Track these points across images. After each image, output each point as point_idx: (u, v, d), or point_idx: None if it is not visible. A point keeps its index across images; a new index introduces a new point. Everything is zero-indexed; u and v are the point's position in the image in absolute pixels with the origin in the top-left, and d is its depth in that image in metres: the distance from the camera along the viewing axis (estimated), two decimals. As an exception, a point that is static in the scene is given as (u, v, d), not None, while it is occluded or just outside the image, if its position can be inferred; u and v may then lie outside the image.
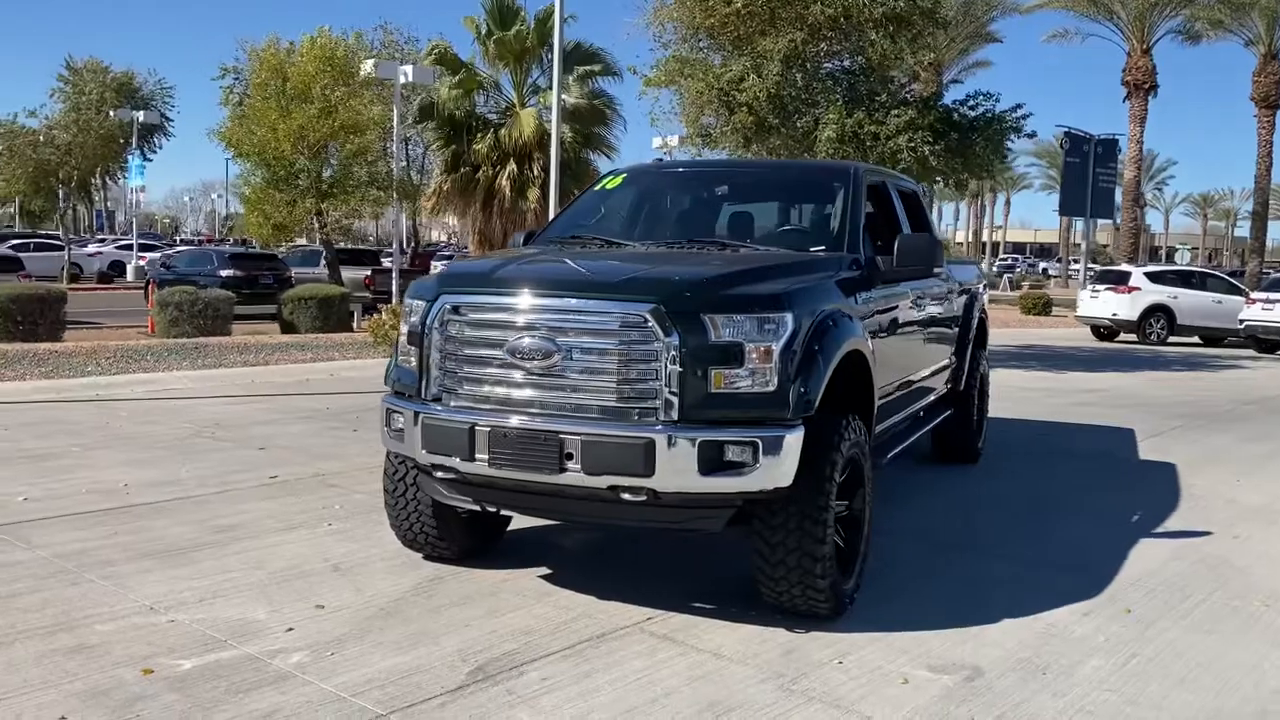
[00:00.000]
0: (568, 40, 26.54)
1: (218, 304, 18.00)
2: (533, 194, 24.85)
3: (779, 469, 4.26)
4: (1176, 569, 5.68)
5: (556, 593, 5.00)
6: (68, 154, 32.72)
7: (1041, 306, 32.38)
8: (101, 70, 47.74)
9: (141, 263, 37.54)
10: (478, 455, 4.44)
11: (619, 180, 6.43)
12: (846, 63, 15.27)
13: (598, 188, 6.52)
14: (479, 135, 24.81)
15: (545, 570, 5.34)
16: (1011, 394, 13.01)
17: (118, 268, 40.51)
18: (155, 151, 56.20)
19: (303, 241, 29.37)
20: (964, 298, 7.84)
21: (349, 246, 32.27)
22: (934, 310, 6.77)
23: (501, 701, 3.79)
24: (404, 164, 28.97)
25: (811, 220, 5.87)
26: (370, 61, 23.80)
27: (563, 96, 24.98)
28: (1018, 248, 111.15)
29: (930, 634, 4.59)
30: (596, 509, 4.54)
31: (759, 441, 4.22)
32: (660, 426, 4.20)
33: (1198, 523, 6.69)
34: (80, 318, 21.45)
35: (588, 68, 26.24)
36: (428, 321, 4.64)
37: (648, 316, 4.22)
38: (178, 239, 75.17)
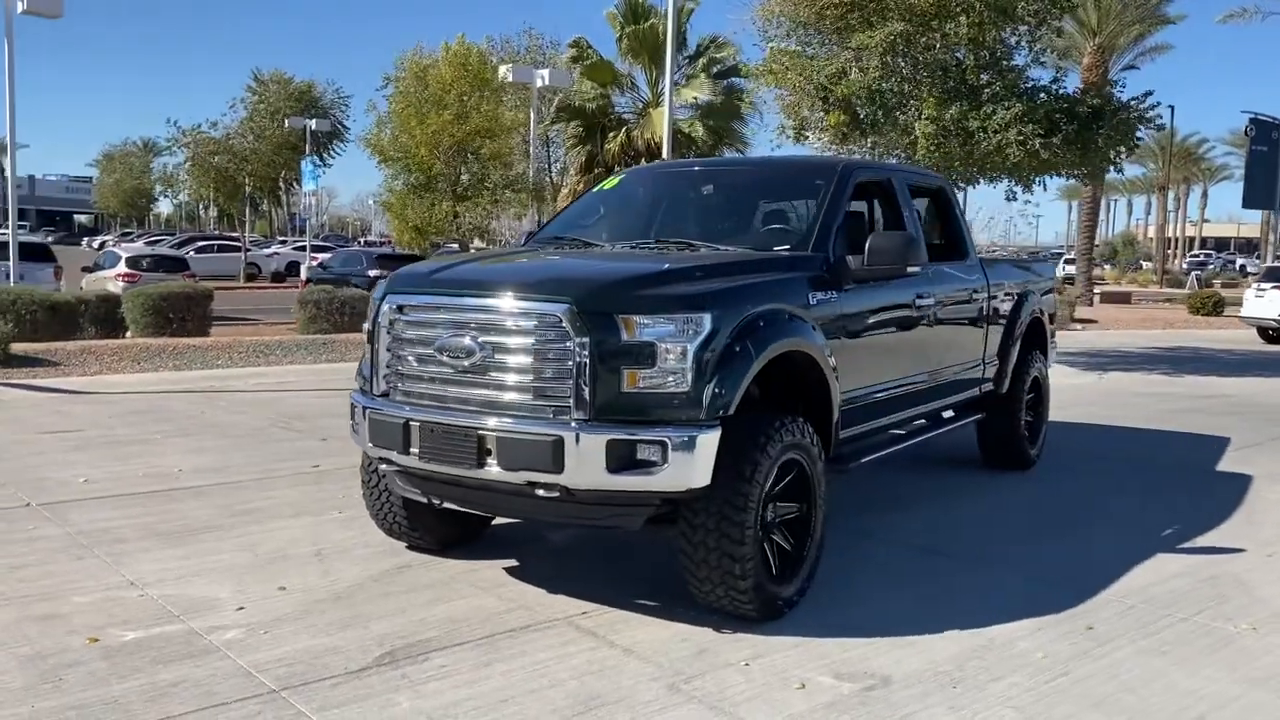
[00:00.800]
0: (703, 34, 26.64)
1: (353, 302, 18.93)
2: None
3: (691, 469, 4.27)
4: (1176, 586, 5.35)
5: (509, 585, 5.14)
6: (244, 161, 35.04)
7: (1211, 306, 30.34)
8: (285, 81, 50.76)
9: (314, 263, 39.80)
10: (411, 449, 4.63)
11: (616, 181, 6.53)
12: (960, 53, 14.74)
13: (597, 189, 6.64)
14: (612, 135, 25.15)
15: (514, 563, 5.49)
16: (1120, 398, 12.37)
17: (293, 268, 43.02)
18: (335, 157, 59.20)
19: (454, 245, 30.49)
20: (1008, 299, 7.55)
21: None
22: (950, 311, 6.57)
23: (392, 685, 3.96)
24: (544, 165, 29.65)
25: (785, 219, 5.79)
26: (506, 66, 24.53)
27: (695, 93, 25.12)
28: (1220, 244, 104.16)
29: (862, 641, 4.50)
30: (521, 504, 4.66)
31: (668, 441, 4.25)
32: (571, 424, 4.28)
33: (1238, 540, 6.25)
34: (240, 315, 23.00)
35: (714, 58, 26.17)
36: (378, 320, 4.87)
37: (561, 316, 4.31)
38: (361, 240, 79.17)
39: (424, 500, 4.99)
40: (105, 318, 17.08)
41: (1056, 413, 10.56)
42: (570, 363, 4.30)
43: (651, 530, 4.66)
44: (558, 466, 4.27)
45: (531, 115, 25.17)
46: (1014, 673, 4.22)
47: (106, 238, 65.47)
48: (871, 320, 5.59)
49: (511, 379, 4.44)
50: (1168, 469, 8.46)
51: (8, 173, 25.59)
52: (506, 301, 4.47)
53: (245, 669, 4.06)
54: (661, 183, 6.64)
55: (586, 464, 4.25)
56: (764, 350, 4.52)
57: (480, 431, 4.40)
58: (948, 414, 7.05)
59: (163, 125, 36.72)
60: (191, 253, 38.02)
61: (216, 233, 57.53)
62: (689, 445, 4.26)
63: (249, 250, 42.15)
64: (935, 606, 4.97)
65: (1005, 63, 14.86)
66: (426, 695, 3.87)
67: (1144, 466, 8.54)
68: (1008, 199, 15.93)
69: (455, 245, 30.31)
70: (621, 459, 4.26)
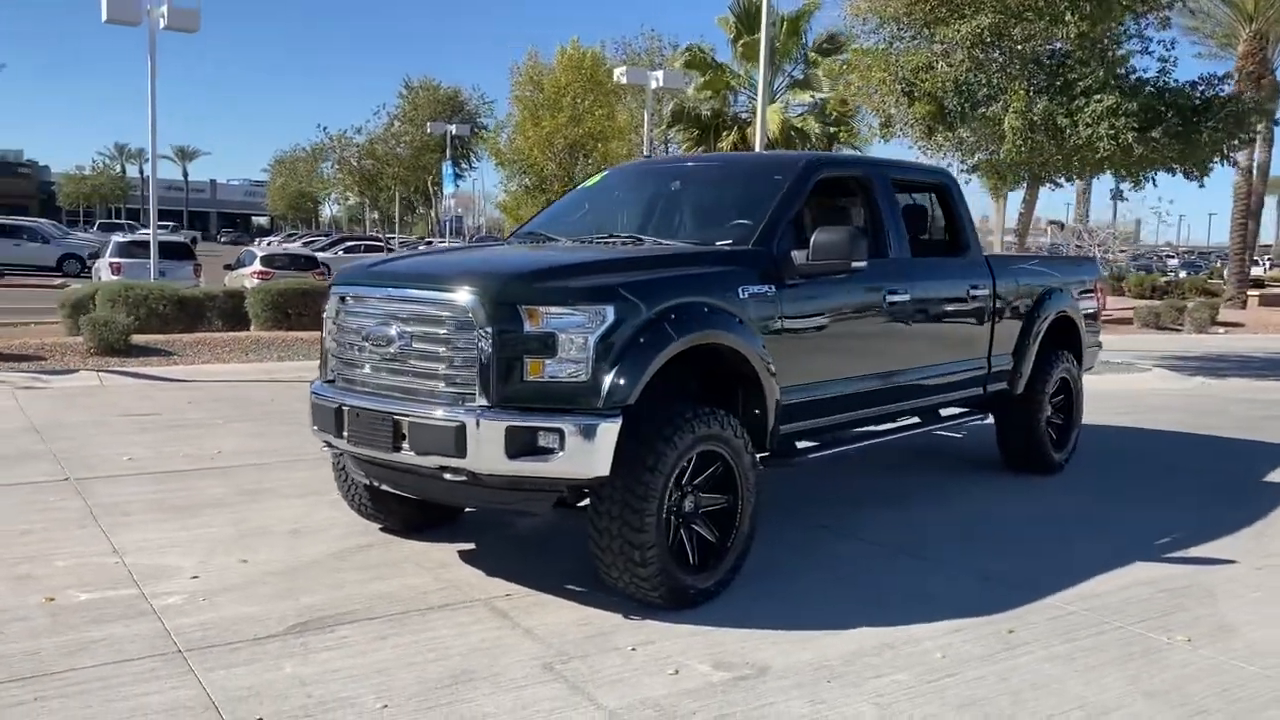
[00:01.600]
0: (820, 31, 26.37)
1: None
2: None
3: (589, 457, 4.39)
4: (1135, 594, 5.14)
5: (452, 566, 5.35)
6: (386, 164, 36.65)
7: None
8: (433, 88, 52.86)
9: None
10: (344, 433, 4.90)
11: (599, 178, 6.67)
12: (1057, 45, 14.21)
13: (584, 185, 6.79)
14: (725, 135, 25.18)
15: (471, 546, 5.70)
16: (1211, 404, 11.77)
17: (434, 266, 44.51)
18: (479, 160, 61.02)
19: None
20: (1024, 298, 7.32)
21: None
22: (938, 308, 6.45)
23: (286, 652, 4.22)
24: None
25: (739, 214, 5.80)
26: (620, 69, 24.89)
27: (812, 93, 24.90)
28: None
29: (766, 633, 4.52)
30: (438, 487, 4.86)
31: (564, 429, 4.37)
32: (474, 411, 4.45)
33: (1239, 553, 5.93)
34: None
35: (831, 55, 25.84)
36: (326, 311, 5.16)
37: (468, 307, 4.50)
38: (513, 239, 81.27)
39: (368, 481, 5.25)
40: (232, 312, 18.20)
41: (1127, 416, 10.19)
42: (476, 352, 4.47)
43: (565, 516, 4.78)
44: (461, 452, 4.45)
45: (646, 117, 25.42)
46: (901, 671, 4.17)
47: (273, 238, 69.38)
48: (823, 316, 5.55)
49: (425, 367, 4.65)
50: (1209, 476, 8.04)
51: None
52: (422, 293, 4.69)
53: (166, 631, 4.39)
54: (637, 180, 6.76)
55: (487, 449, 4.41)
56: (669, 342, 4.58)
57: (395, 416, 4.63)
58: (945, 412, 6.90)
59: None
60: (340, 252, 39.88)
61: (373, 235, 60.05)
62: (586, 434, 4.38)
63: (391, 250, 43.85)
64: (865, 604, 4.93)
65: (1111, 53, 14.24)
66: (312, 663, 4.11)
67: (1184, 473, 8.15)
68: (1114, 198, 15.32)
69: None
70: (520, 445, 4.40)
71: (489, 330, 4.44)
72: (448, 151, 44.93)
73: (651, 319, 4.57)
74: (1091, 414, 10.39)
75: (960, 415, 7.03)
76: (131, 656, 4.12)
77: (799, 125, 24.79)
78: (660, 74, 25.70)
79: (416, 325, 4.68)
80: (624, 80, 24.96)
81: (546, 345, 4.44)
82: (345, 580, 5.10)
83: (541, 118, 22.32)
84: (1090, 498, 7.22)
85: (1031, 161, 13.75)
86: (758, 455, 5.39)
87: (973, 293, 6.76)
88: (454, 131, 43.12)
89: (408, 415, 4.60)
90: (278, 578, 5.12)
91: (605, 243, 5.64)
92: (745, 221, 5.51)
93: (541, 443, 4.41)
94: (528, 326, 4.45)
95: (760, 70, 17.25)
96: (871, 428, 6.22)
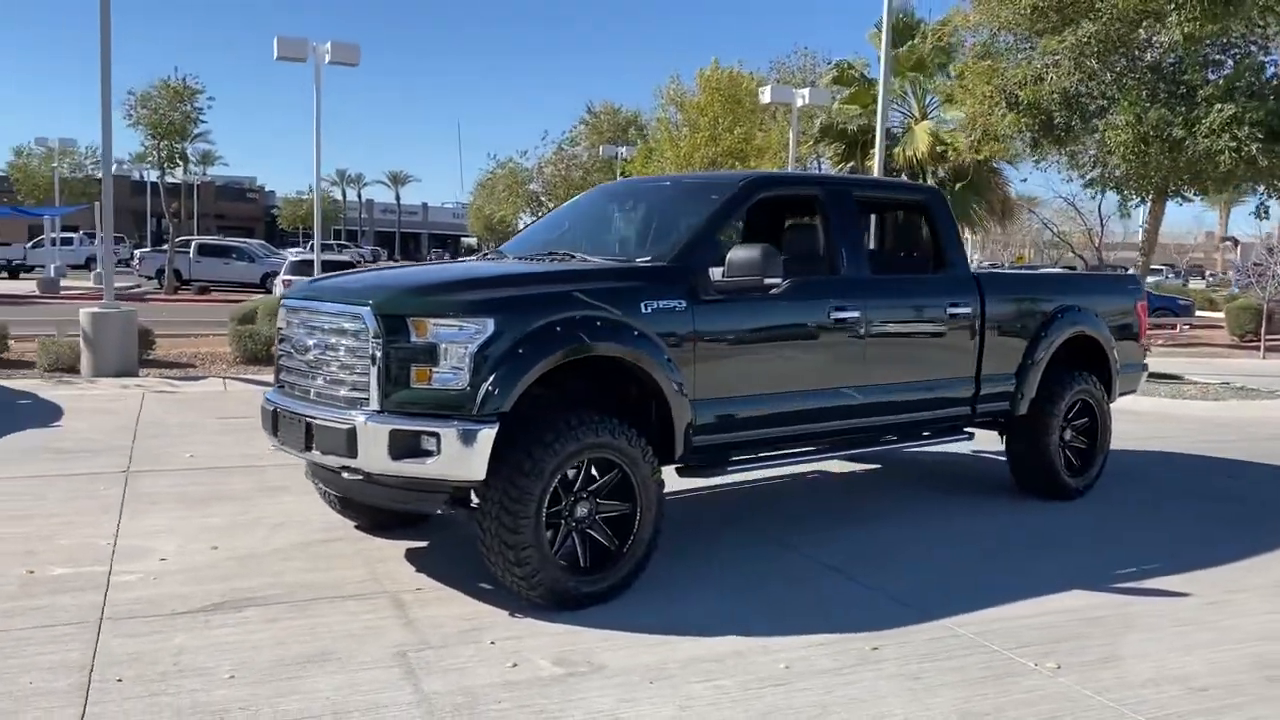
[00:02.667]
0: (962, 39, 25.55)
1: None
2: (927, 209, 24.30)
3: (464, 460, 4.71)
4: (1042, 621, 5.00)
5: (390, 562, 5.75)
6: (554, 186, 37.99)
7: None
8: (613, 111, 54.26)
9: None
10: (276, 434, 5.39)
11: (584, 196, 7.00)
12: (1177, 54, 13.46)
13: (570, 202, 7.12)
14: (871, 151, 24.79)
15: (424, 544, 6.09)
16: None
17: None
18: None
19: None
20: (1026, 317, 7.12)
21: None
22: (906, 326, 6.40)
23: (187, 627, 4.70)
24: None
25: (665, 231, 5.94)
26: (765, 87, 24.99)
27: (959, 111, 24.16)
28: None
29: (629, 636, 4.69)
30: (346, 485, 5.27)
31: (441, 433, 4.71)
32: (365, 414, 4.84)
33: (1203, 585, 5.63)
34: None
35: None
36: (278, 322, 5.68)
37: (365, 319, 4.90)
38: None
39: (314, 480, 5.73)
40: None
41: (1181, 441, 9.68)
42: (371, 360, 4.87)
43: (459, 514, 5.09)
44: (353, 452, 4.85)
45: (792, 135, 25.39)
46: (730, 678, 4.27)
47: (471, 258, 72.36)
48: (747, 331, 5.64)
49: (334, 374, 5.08)
50: (1237, 504, 7.56)
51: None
52: (334, 306, 5.13)
53: (101, 604, 4.97)
54: (608, 199, 7.00)
55: (374, 451, 4.80)
56: (547, 354, 4.83)
57: (306, 419, 5.08)
58: (926, 432, 6.81)
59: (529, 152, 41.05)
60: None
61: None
62: (462, 438, 4.69)
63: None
64: (751, 615, 5.00)
65: (1244, 60, 13.39)
66: (201, 638, 4.58)
67: (1210, 499, 7.72)
68: (1258, 216, 14.32)
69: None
70: (403, 448, 4.76)
71: (380, 340, 4.82)
72: (617, 173, 46.08)
73: (533, 331, 4.84)
74: (1180, 440, 9.91)
75: (936, 435, 6.90)
76: (56, 623, 4.70)
77: (948, 140, 24.18)
78: (806, 91, 25.61)
79: (328, 336, 5.11)
80: (767, 99, 25.09)
81: (431, 355, 4.78)
82: (287, 569, 5.58)
83: (679, 138, 22.72)
84: (1089, 519, 6.95)
85: (1145, 175, 13.06)
86: (677, 466, 5.59)
87: (952, 311, 6.64)
88: (624, 155, 44.20)
89: (315, 418, 5.04)
90: (232, 563, 5.65)
91: (541, 259, 5.93)
92: (670, 239, 5.68)
93: (423, 446, 4.75)
94: (415, 337, 4.80)
95: (879, 87, 17.06)
96: (813, 445, 6.21)
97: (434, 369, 4.79)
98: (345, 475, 5.04)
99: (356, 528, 6.35)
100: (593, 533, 5.09)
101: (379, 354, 4.83)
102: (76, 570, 5.46)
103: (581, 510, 5.04)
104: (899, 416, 6.51)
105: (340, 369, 5.03)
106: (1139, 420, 11.72)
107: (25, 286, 36.23)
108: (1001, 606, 5.18)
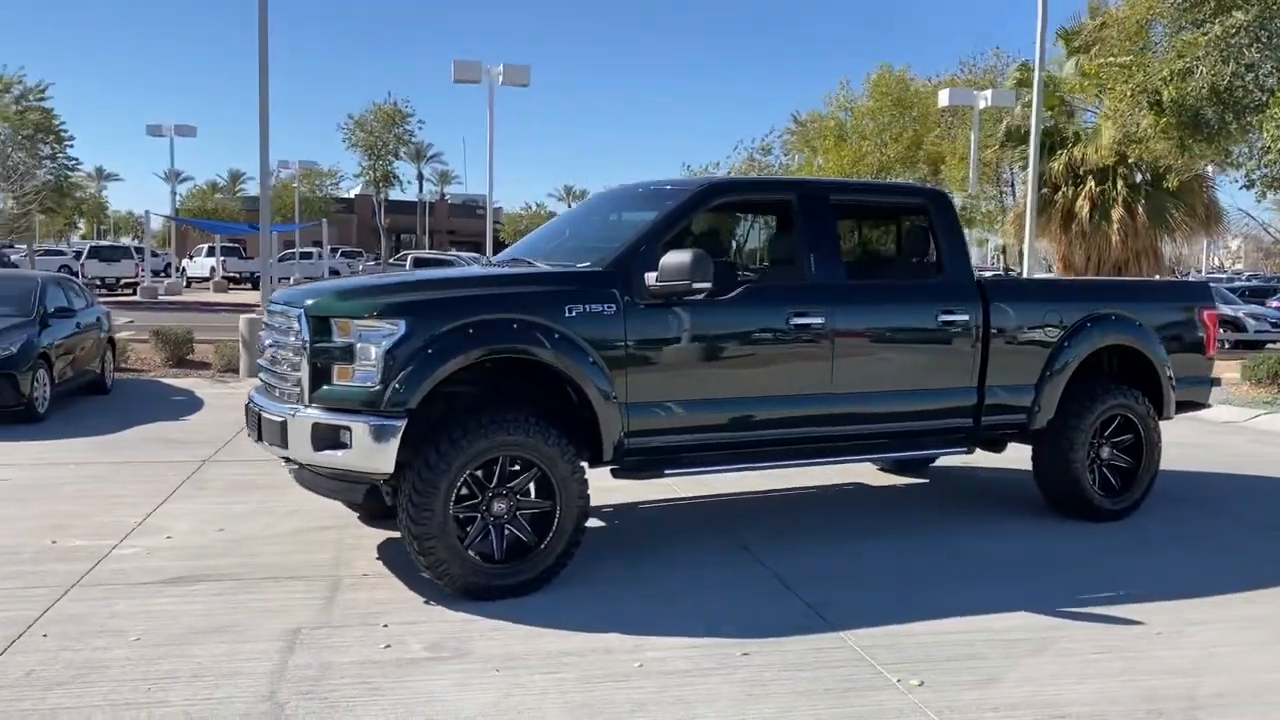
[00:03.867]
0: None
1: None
2: (1116, 214, 22.86)
3: (373, 454, 5.03)
4: (950, 639, 4.78)
5: (360, 550, 6.13)
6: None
7: None
8: (819, 118, 53.88)
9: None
10: (248, 426, 5.88)
11: (585, 202, 7.20)
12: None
13: (571, 209, 7.33)
14: (1056, 153, 23.57)
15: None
16: None
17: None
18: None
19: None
20: (1042, 327, 6.71)
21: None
22: (876, 333, 6.20)
23: (141, 595, 5.21)
24: (998, 191, 28.47)
25: (615, 238, 5.98)
26: (944, 91, 24.26)
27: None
28: None
29: (516, 628, 4.84)
30: (301, 475, 5.66)
31: (352, 427, 5.04)
32: (297, 408, 5.24)
33: (1166, 615, 5.18)
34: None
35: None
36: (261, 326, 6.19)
37: (300, 320, 5.30)
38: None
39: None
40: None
41: None
42: (303, 358, 5.26)
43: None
44: (285, 443, 5.26)
45: (973, 138, 24.52)
46: (575, 671, 4.36)
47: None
48: (688, 336, 5.65)
49: (283, 371, 5.50)
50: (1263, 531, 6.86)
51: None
52: (282, 309, 5.55)
53: (84, 572, 5.57)
54: (597, 205, 7.09)
55: (299, 442, 5.19)
56: (456, 354, 5.07)
57: (259, 413, 5.52)
58: (924, 440, 6.57)
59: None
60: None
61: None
62: (371, 432, 5.01)
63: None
64: (659, 617, 5.02)
65: None
66: (142, 606, 5.07)
67: (1258, 530, 6.99)
68: None
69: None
70: (322, 440, 5.13)
71: (310, 340, 5.20)
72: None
73: (443, 333, 5.09)
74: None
75: (930, 445, 6.63)
76: (35, 585, 5.33)
77: (1138, 138, 22.61)
78: (989, 93, 24.73)
79: (281, 336, 5.54)
80: (945, 102, 24.34)
81: (350, 354, 5.12)
82: (267, 551, 6.06)
83: (843, 145, 22.38)
84: (1100, 541, 6.50)
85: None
86: (612, 468, 5.69)
87: (946, 319, 6.37)
88: (821, 164, 43.71)
89: (261, 410, 5.48)
90: (225, 544, 6.19)
91: (502, 265, 6.17)
92: (613, 244, 5.79)
93: (340, 439, 5.09)
94: (338, 337, 5.16)
95: (1034, 93, 16.26)
96: (778, 449, 6.12)
97: (354, 367, 5.12)
98: (284, 465, 5.45)
99: (360, 519, 6.78)
100: (512, 528, 5.27)
101: (309, 353, 5.21)
102: (90, 543, 6.13)
103: (499, 506, 5.23)
104: (882, 426, 6.31)
105: (289, 367, 5.45)
106: (1264, 441, 10.74)
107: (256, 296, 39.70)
108: (921, 622, 4.99)
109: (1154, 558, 6.26)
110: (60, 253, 47.37)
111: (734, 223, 6.73)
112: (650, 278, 5.53)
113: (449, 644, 4.65)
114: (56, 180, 35.92)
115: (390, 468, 5.05)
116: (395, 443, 5.00)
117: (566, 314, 5.37)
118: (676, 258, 5.45)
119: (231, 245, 48.00)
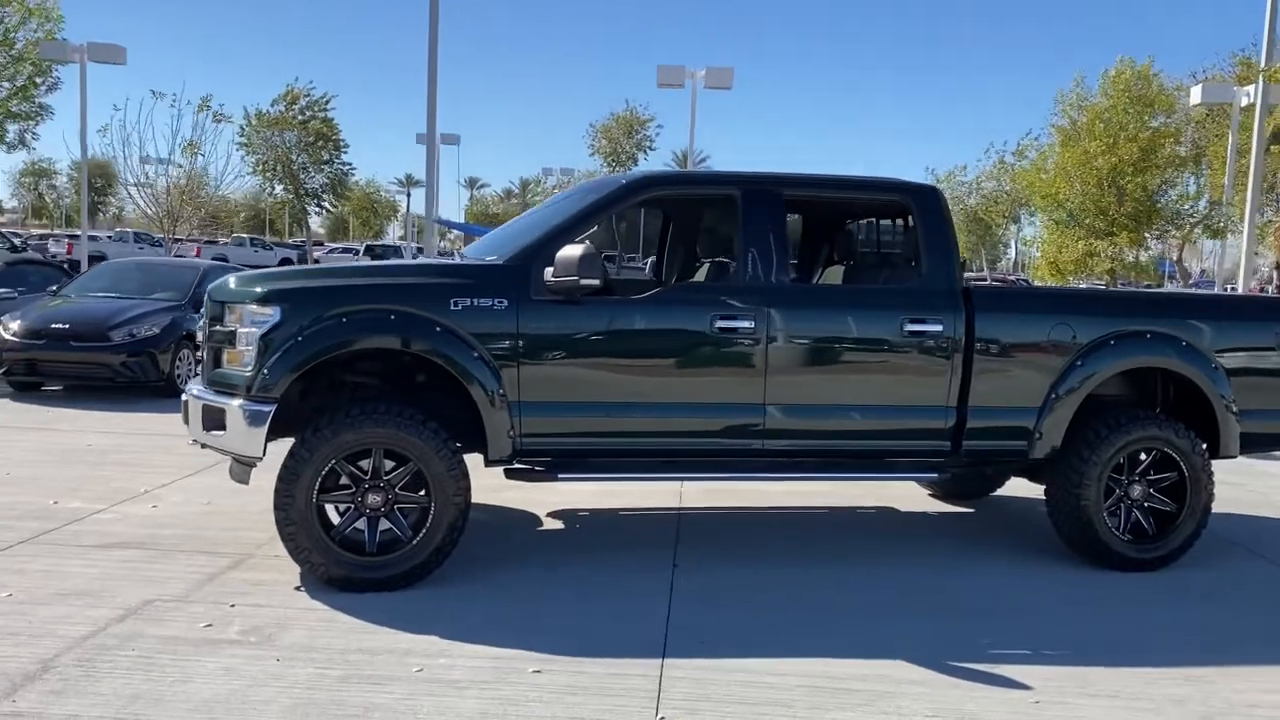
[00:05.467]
0: None
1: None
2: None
3: (244, 437, 5.17)
4: (791, 681, 4.29)
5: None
6: (994, 202, 36.20)
7: None
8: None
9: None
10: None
11: (564, 191, 7.00)
12: None
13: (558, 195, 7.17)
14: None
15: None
16: None
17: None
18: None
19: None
20: (1050, 345, 5.85)
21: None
22: (823, 341, 5.64)
23: (85, 557, 5.56)
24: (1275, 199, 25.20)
25: (535, 232, 5.70)
26: (1196, 89, 21.93)
27: None
28: None
29: (352, 620, 4.82)
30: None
31: (226, 409, 5.18)
32: (198, 389, 5.45)
33: (1063, 681, 4.39)
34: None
35: None
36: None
37: (207, 305, 5.51)
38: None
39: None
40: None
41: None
42: (211, 342, 5.46)
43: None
44: (187, 422, 5.48)
45: (1230, 138, 21.93)
46: (339, 668, 4.28)
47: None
48: (591, 335, 5.38)
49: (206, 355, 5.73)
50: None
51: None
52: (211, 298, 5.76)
53: (48, 530, 6.05)
54: (558, 197, 6.83)
55: (194, 421, 5.40)
56: (325, 343, 5.10)
57: (185, 399, 5.76)
58: (892, 462, 5.93)
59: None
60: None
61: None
62: (243, 417, 5.15)
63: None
64: (494, 624, 4.81)
65: None
66: (57, 565, 5.43)
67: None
68: None
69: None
70: (209, 421, 5.32)
71: (209, 322, 5.40)
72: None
73: (314, 321, 5.12)
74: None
75: (892, 468, 5.95)
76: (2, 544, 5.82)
77: None
78: (1251, 89, 22.09)
79: (211, 325, 5.76)
80: (1197, 99, 21.99)
81: (233, 339, 5.27)
82: (218, 526, 6.32)
83: (1072, 146, 20.57)
84: (1083, 593, 5.60)
85: None
86: (505, 469, 5.54)
87: (914, 328, 5.70)
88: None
89: (186, 393, 5.72)
90: (195, 517, 6.52)
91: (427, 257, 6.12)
92: (526, 240, 5.60)
93: (221, 420, 5.24)
94: (229, 322, 5.31)
95: (1257, 92, 14.34)
96: (697, 459, 5.69)
97: (234, 350, 5.26)
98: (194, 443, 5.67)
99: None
100: (388, 521, 5.23)
101: (207, 335, 5.41)
102: (82, 505, 6.65)
103: (374, 498, 5.21)
104: (829, 443, 5.74)
105: (207, 350, 5.67)
106: None
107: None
108: (769, 660, 4.49)
109: (1125, 616, 5.33)
110: (354, 250, 51.95)
111: (670, 220, 6.34)
112: (547, 273, 5.32)
113: (266, 629, 4.68)
114: (331, 184, 39.37)
115: (259, 452, 5.15)
116: (264, 428, 5.09)
117: (451, 307, 5.26)
118: (567, 253, 5.21)
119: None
